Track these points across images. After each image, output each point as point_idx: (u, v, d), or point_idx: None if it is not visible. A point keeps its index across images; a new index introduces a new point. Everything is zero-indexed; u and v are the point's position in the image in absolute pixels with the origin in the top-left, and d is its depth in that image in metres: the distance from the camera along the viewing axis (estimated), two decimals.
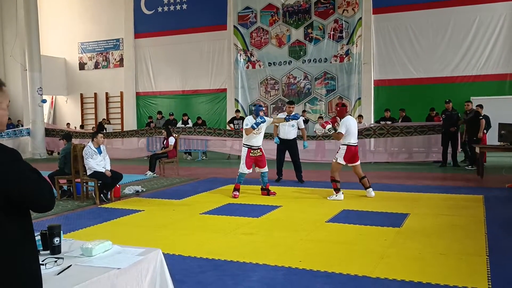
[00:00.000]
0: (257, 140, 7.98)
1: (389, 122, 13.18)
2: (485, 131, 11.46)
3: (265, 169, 8.06)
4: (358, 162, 7.68)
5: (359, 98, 16.13)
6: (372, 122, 14.84)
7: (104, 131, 17.61)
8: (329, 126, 7.93)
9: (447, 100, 11.81)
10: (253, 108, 8.20)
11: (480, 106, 11.55)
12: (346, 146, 7.54)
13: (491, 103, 12.23)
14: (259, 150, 8.01)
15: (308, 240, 5.15)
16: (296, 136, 9.59)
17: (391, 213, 6.40)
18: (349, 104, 16.23)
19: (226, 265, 4.31)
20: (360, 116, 14.28)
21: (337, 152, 7.65)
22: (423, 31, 15.26)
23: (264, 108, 8.67)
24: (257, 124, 7.74)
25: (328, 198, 7.52)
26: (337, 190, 7.51)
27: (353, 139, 7.57)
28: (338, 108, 7.85)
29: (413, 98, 15.11)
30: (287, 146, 9.45)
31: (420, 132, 12.34)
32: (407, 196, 7.72)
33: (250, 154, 7.94)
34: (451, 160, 11.80)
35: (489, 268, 4.05)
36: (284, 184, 9.21)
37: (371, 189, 7.65)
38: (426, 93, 15.01)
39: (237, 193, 7.90)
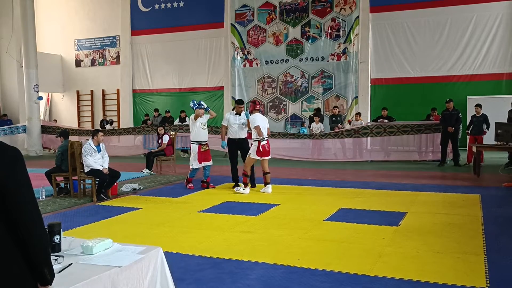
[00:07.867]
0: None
1: (386, 121, 13.19)
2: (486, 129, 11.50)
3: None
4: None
5: (356, 97, 16.14)
6: (369, 120, 14.86)
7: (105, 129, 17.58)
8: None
9: (448, 100, 11.75)
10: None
11: (479, 105, 11.59)
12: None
13: (488, 102, 12.24)
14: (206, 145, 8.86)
15: (306, 239, 5.15)
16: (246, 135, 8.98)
17: (389, 211, 6.42)
18: (346, 102, 16.27)
19: (225, 263, 4.31)
20: (357, 114, 14.29)
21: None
22: (420, 30, 15.29)
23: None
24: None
25: None
26: None
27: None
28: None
29: (410, 97, 15.16)
30: (238, 146, 8.84)
31: (417, 131, 12.34)
32: (404, 194, 7.73)
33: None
34: (448, 159, 11.83)
35: (487, 267, 4.07)
36: (281, 182, 9.21)
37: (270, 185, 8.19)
38: (423, 92, 15.07)
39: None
